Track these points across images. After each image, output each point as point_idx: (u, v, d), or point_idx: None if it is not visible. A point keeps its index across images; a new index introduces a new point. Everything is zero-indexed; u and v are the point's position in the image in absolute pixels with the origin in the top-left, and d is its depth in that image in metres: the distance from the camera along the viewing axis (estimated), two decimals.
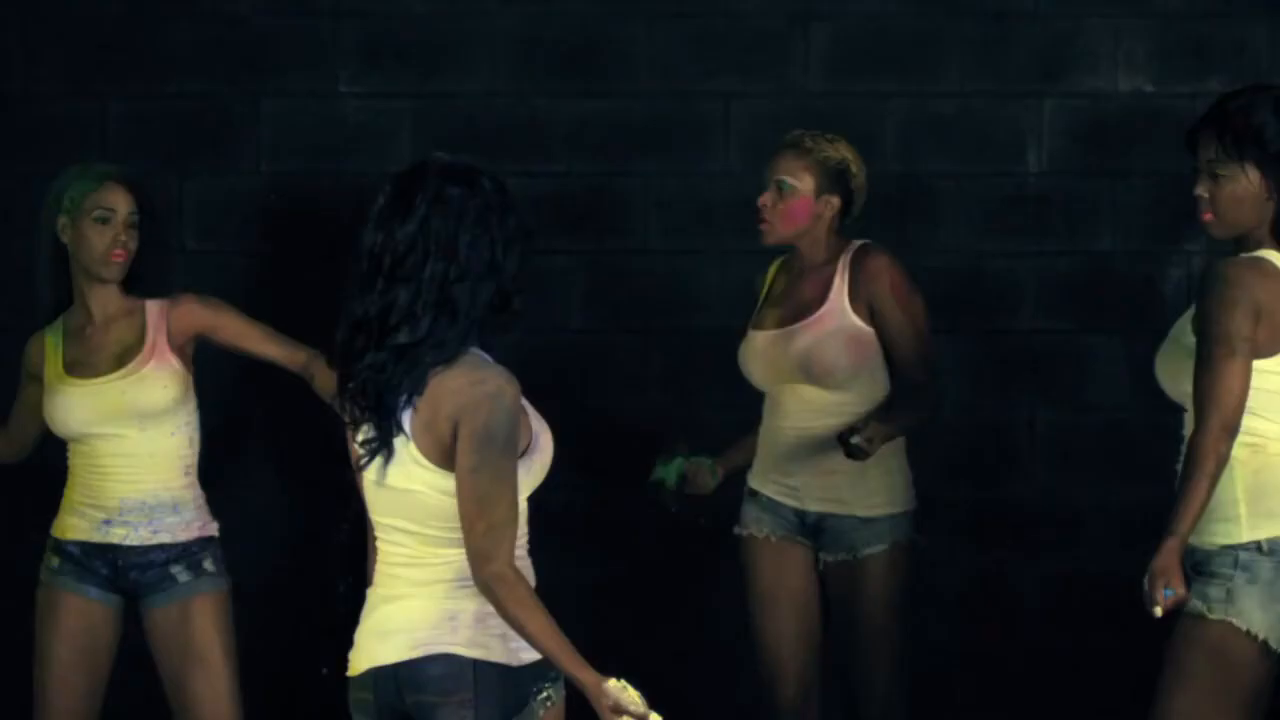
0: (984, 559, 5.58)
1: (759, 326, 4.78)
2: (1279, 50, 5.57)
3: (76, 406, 4.48)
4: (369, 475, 3.43)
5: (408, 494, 3.38)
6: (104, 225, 4.46)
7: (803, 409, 4.70)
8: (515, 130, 5.57)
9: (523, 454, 3.37)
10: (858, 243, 4.72)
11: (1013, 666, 5.52)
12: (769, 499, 4.74)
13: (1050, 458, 5.62)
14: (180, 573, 4.52)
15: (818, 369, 4.66)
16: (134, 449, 4.49)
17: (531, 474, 3.40)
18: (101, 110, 5.59)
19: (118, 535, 4.50)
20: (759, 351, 4.75)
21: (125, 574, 4.51)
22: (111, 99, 5.59)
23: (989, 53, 5.60)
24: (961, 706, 5.50)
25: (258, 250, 5.60)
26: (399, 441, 3.36)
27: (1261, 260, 3.83)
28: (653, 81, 5.61)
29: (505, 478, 3.30)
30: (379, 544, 3.47)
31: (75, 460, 4.54)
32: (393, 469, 3.38)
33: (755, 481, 4.80)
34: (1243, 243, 3.88)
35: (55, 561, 4.53)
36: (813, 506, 4.69)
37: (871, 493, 4.66)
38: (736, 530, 4.80)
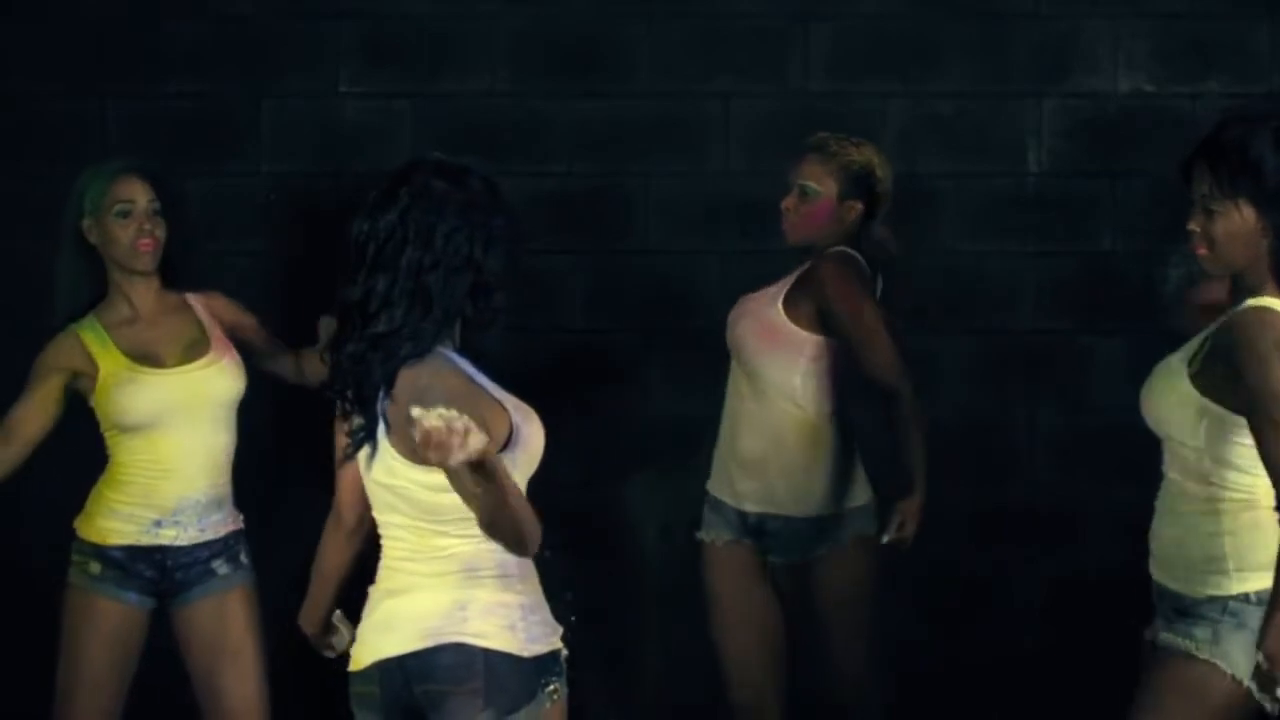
0: (984, 559, 5.58)
1: None
2: (1279, 50, 5.57)
3: (155, 395, 4.46)
4: (363, 471, 3.46)
5: (394, 489, 3.41)
6: (126, 219, 4.47)
7: (732, 389, 4.75)
8: (515, 130, 5.57)
9: (505, 448, 3.38)
10: (835, 250, 4.70)
11: (1012, 666, 5.52)
12: (715, 499, 4.78)
13: (1050, 458, 5.62)
14: (220, 566, 4.54)
15: (732, 341, 4.74)
16: (199, 444, 4.49)
17: (518, 467, 3.41)
18: (101, 110, 5.59)
19: (168, 536, 4.49)
20: None
21: (171, 574, 4.51)
22: (111, 99, 5.59)
23: (989, 53, 5.60)
24: (960, 707, 5.50)
25: (258, 250, 5.60)
26: (380, 435, 3.39)
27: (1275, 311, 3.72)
28: (653, 81, 5.61)
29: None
30: (383, 540, 3.49)
31: (129, 458, 4.49)
32: (377, 465, 3.41)
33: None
34: (1241, 279, 3.76)
35: (96, 568, 4.49)
36: (751, 508, 4.72)
37: (808, 494, 4.69)
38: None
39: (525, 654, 3.40)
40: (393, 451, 3.39)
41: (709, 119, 5.60)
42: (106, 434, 4.53)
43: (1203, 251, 3.77)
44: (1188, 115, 5.50)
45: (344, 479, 3.62)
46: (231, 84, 5.62)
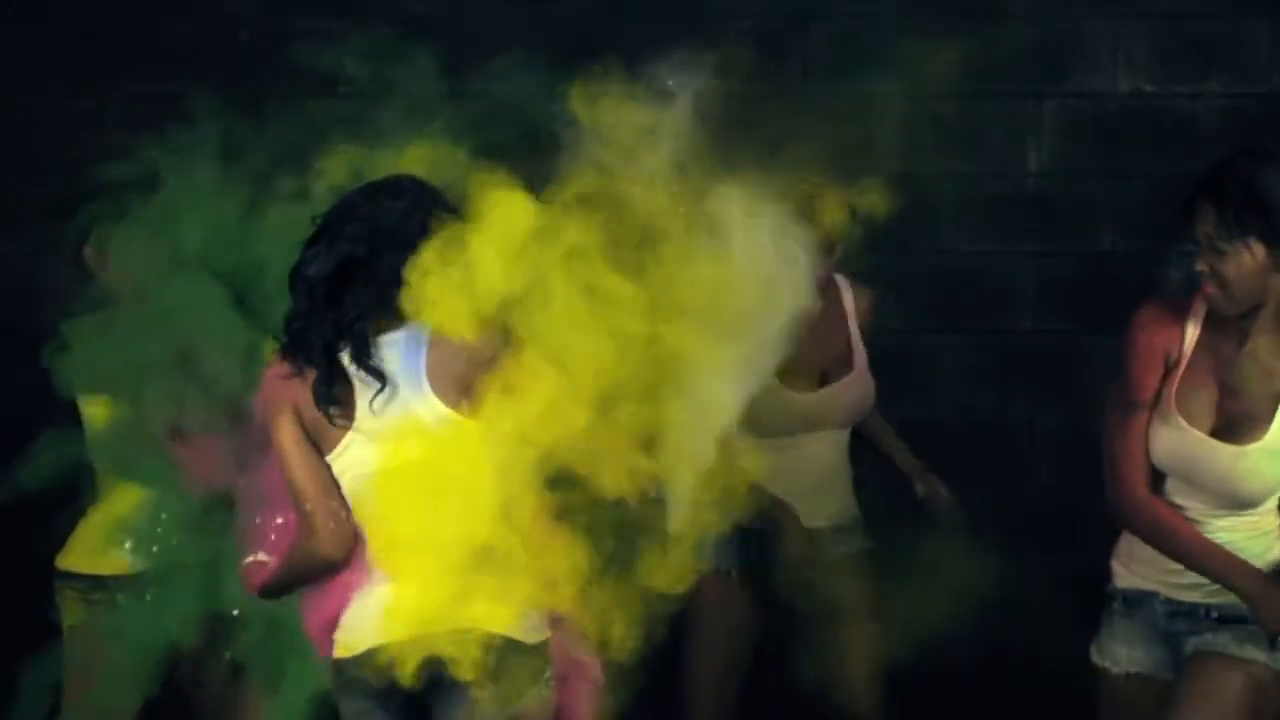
0: (984, 559, 5.58)
1: None
2: (1279, 50, 5.57)
3: None
4: (352, 469, 3.45)
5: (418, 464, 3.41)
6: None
7: None
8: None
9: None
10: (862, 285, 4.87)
11: (1013, 667, 5.51)
12: None
13: (1050, 458, 5.62)
14: None
15: None
16: None
17: None
18: (102, 110, 5.59)
19: None
20: None
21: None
22: (111, 99, 5.59)
23: (989, 53, 5.60)
24: (961, 707, 5.50)
25: None
26: (406, 397, 3.40)
27: None
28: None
29: None
30: (370, 532, 3.48)
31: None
32: (385, 449, 3.40)
33: None
34: (1261, 309, 3.76)
35: (125, 600, 4.40)
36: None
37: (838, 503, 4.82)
38: None
39: (529, 640, 3.42)
40: (439, 406, 3.39)
41: None
42: (104, 451, 4.49)
43: (1212, 291, 3.73)
44: (1188, 115, 5.50)
45: (315, 500, 3.48)
46: (232, 84, 5.62)
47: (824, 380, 4.75)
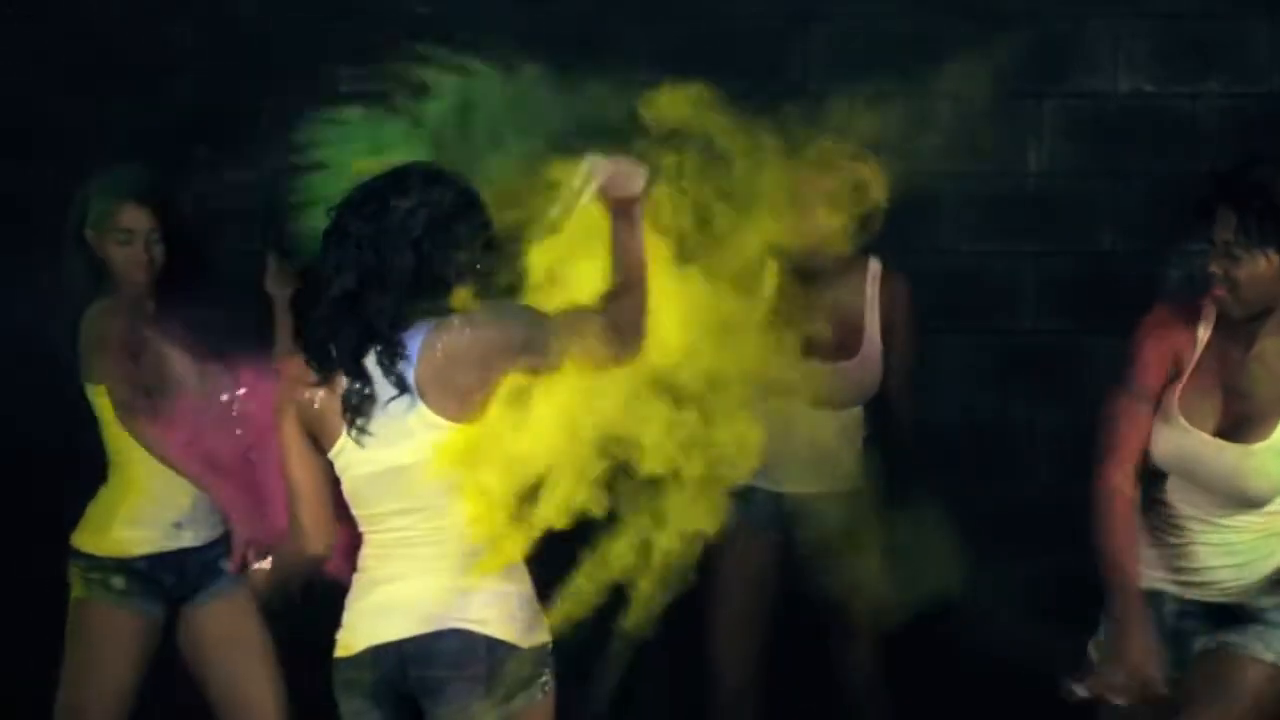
0: (983, 559, 5.58)
1: None
2: (1279, 50, 5.57)
3: None
4: (349, 469, 3.44)
5: (408, 470, 3.40)
6: (125, 246, 4.46)
7: None
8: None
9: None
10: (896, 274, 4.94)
11: (1012, 667, 5.51)
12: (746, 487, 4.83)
13: (1050, 458, 5.62)
14: (225, 563, 4.53)
15: None
16: None
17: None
18: (101, 110, 5.58)
19: (188, 537, 4.49)
20: None
21: (189, 578, 4.50)
22: (111, 99, 5.59)
23: (989, 53, 5.60)
24: (960, 707, 5.50)
25: (258, 250, 5.59)
26: (402, 409, 3.38)
27: None
28: (653, 82, 5.60)
29: None
30: (369, 532, 3.48)
31: (140, 458, 4.46)
32: (387, 449, 3.40)
33: None
34: (1271, 313, 3.79)
35: (120, 583, 4.46)
36: (791, 489, 4.80)
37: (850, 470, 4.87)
38: None
39: (524, 644, 3.43)
40: (431, 417, 3.39)
41: None
42: (113, 437, 4.51)
43: (1222, 294, 3.76)
44: (1188, 115, 5.50)
45: (304, 500, 3.53)
46: (232, 84, 5.62)
47: (818, 358, 4.77)
